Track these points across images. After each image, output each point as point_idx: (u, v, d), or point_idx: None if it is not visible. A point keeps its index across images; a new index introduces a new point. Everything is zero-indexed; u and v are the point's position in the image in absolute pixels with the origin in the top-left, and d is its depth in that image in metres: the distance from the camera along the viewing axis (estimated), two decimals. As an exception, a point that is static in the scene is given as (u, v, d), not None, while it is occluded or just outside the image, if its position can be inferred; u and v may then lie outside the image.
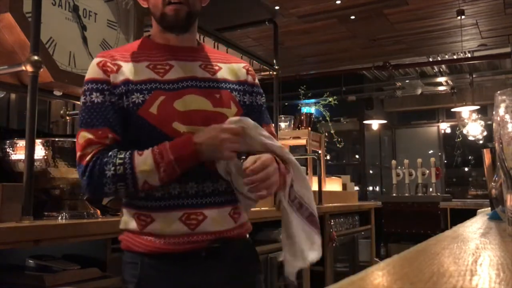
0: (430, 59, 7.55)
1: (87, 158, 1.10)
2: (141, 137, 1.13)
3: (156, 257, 1.14)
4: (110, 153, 1.10)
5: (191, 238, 1.13)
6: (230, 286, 1.18)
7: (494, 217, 1.08)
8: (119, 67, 1.18)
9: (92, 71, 1.18)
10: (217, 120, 1.17)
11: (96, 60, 1.20)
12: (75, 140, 1.48)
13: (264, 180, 1.09)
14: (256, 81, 1.36)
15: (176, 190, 1.14)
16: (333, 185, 4.13)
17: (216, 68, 1.28)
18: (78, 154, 1.13)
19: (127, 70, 1.18)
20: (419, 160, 5.92)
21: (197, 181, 1.16)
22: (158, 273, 1.15)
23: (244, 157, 1.16)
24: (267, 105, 1.41)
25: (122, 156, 1.09)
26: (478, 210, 1.55)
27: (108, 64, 1.18)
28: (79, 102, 1.80)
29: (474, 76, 7.75)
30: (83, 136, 1.12)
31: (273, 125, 1.41)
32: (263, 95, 1.36)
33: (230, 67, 1.32)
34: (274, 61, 2.88)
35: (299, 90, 4.76)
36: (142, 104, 1.14)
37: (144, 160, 1.08)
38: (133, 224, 1.17)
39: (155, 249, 1.13)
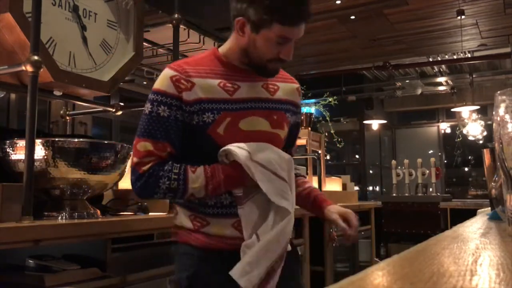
0: (430, 59, 7.55)
1: (144, 168, 1.20)
2: (204, 151, 1.24)
3: (210, 252, 1.25)
4: (165, 166, 1.20)
5: (241, 241, 1.21)
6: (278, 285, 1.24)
7: (494, 217, 1.08)
8: (193, 84, 1.22)
9: (165, 84, 1.23)
10: (274, 141, 1.28)
11: (169, 72, 1.24)
12: (75, 140, 1.48)
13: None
14: (299, 100, 1.43)
15: (227, 200, 1.25)
16: (333, 185, 4.13)
17: (275, 87, 1.35)
18: (135, 160, 1.22)
19: (200, 88, 1.23)
20: (419, 160, 5.91)
21: None
22: (211, 266, 1.24)
23: None
24: None
25: (176, 171, 1.20)
26: (478, 210, 1.55)
27: (182, 81, 1.22)
28: (79, 102, 1.84)
29: (474, 76, 7.75)
30: (144, 145, 1.22)
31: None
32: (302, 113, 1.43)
33: (285, 87, 1.38)
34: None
35: (299, 90, 4.75)
36: (211, 124, 1.22)
37: (196, 178, 1.19)
38: (189, 224, 1.28)
39: (210, 245, 1.24)
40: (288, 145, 1.40)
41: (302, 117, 3.88)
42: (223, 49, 1.33)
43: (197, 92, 1.22)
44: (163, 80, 1.23)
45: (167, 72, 1.24)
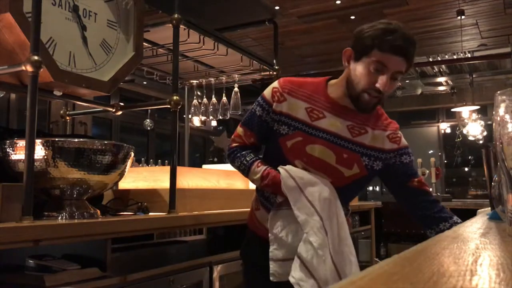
0: (430, 59, 7.55)
1: (232, 145, 1.57)
2: (273, 151, 1.51)
3: (257, 235, 1.60)
4: (244, 152, 1.53)
5: None
6: None
7: (494, 217, 1.08)
8: (284, 99, 1.47)
9: (267, 92, 1.52)
10: (332, 174, 1.45)
11: (275, 84, 1.52)
12: (75, 140, 1.49)
13: None
14: (401, 144, 1.54)
15: (273, 199, 1.51)
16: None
17: (362, 131, 1.47)
18: (232, 137, 1.59)
19: (288, 103, 1.47)
20: (419, 160, 5.91)
21: None
22: (257, 244, 1.57)
23: None
24: None
25: (247, 159, 1.51)
26: (478, 210, 1.55)
27: (278, 94, 1.48)
28: (79, 102, 1.83)
29: (474, 76, 7.75)
30: (240, 130, 1.56)
31: (422, 176, 1.63)
32: (410, 154, 1.55)
33: (375, 133, 1.49)
34: (274, 61, 2.88)
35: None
36: (284, 136, 1.46)
37: (256, 172, 1.48)
38: (253, 203, 1.65)
39: (258, 231, 1.59)
40: (397, 179, 1.55)
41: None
42: (332, 81, 1.51)
43: (283, 107, 1.47)
44: (268, 88, 1.52)
45: (274, 84, 1.53)
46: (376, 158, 1.49)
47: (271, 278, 1.42)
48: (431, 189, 1.60)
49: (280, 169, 1.43)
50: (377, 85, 1.35)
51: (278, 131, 1.47)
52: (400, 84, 8.52)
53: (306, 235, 1.35)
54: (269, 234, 1.45)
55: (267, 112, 1.49)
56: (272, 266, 1.42)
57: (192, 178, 2.20)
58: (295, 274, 1.34)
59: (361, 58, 1.37)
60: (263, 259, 1.45)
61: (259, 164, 1.48)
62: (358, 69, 1.38)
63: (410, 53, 1.35)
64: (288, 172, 1.41)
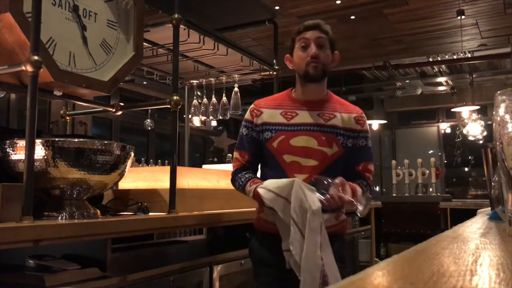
0: (430, 59, 7.55)
1: (233, 169, 1.81)
2: (265, 156, 1.76)
3: (262, 232, 1.79)
4: (240, 174, 1.77)
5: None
6: None
7: (494, 217, 1.08)
8: (261, 113, 1.79)
9: (247, 114, 1.83)
10: (317, 156, 1.69)
11: (251, 107, 1.83)
12: (75, 140, 1.49)
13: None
14: (364, 127, 1.80)
15: None
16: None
17: (331, 116, 1.75)
18: (232, 164, 1.83)
19: (266, 114, 1.77)
20: (419, 160, 5.91)
21: None
22: (261, 240, 1.78)
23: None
24: None
25: (243, 180, 1.74)
26: (478, 210, 1.55)
27: (255, 111, 1.81)
28: (79, 102, 1.84)
29: (474, 76, 7.74)
30: (235, 154, 1.82)
31: (371, 164, 1.81)
32: (367, 138, 1.80)
33: (342, 116, 1.76)
34: (274, 61, 2.88)
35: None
36: (269, 140, 1.73)
37: (249, 192, 1.70)
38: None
39: (263, 228, 1.77)
40: (350, 164, 1.75)
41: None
42: (294, 90, 1.83)
43: (263, 118, 1.77)
44: (247, 112, 1.83)
45: (250, 107, 1.83)
46: (348, 136, 1.75)
47: (286, 266, 1.59)
48: (371, 179, 1.80)
49: (259, 189, 1.63)
50: (311, 54, 1.70)
51: (263, 138, 1.74)
52: (400, 84, 8.54)
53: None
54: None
55: (251, 129, 1.78)
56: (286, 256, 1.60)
57: (192, 178, 2.20)
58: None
59: (293, 52, 1.77)
60: (275, 254, 1.64)
61: (251, 184, 1.70)
62: (295, 58, 1.76)
63: (320, 24, 1.74)
64: (265, 188, 1.61)
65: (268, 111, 1.78)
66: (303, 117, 1.74)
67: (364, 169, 1.78)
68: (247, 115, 1.82)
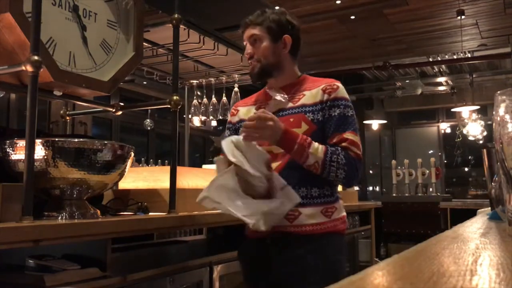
0: (430, 59, 7.55)
1: None
2: None
3: (249, 238, 1.77)
4: None
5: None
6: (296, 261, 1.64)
7: (494, 217, 1.08)
8: (237, 111, 1.84)
9: (229, 115, 1.90)
10: None
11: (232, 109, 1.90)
12: (75, 140, 1.48)
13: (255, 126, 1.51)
14: (333, 95, 1.64)
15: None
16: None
17: (300, 96, 1.69)
18: None
19: (242, 112, 1.81)
20: (419, 160, 5.91)
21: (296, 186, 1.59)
22: (249, 246, 1.77)
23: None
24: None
25: None
26: (478, 210, 1.55)
27: (233, 110, 1.88)
28: (79, 102, 1.84)
29: (474, 76, 7.75)
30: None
31: (349, 132, 1.61)
32: (340, 106, 1.63)
33: (311, 93, 1.67)
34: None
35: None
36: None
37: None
38: None
39: (251, 234, 1.74)
40: (326, 136, 1.62)
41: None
42: None
43: (239, 115, 1.82)
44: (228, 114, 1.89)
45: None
46: (318, 110, 1.64)
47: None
48: (352, 149, 1.59)
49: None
50: (245, 55, 1.74)
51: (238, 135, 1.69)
52: (400, 84, 8.54)
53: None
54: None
55: (231, 129, 1.84)
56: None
57: (192, 178, 2.20)
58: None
59: None
60: (260, 256, 1.67)
61: None
62: None
63: (250, 20, 1.73)
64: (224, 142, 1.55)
65: (244, 108, 1.82)
66: (272, 106, 1.72)
67: (340, 140, 1.59)
68: (229, 116, 1.89)
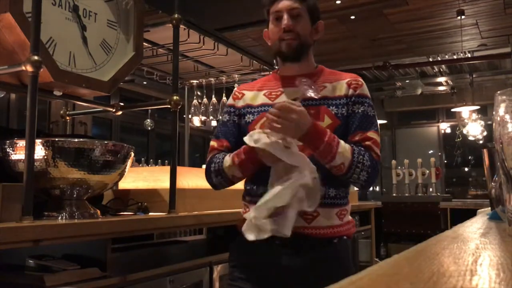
0: (430, 59, 7.55)
1: (208, 159, 1.57)
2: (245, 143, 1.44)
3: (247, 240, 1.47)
4: (217, 154, 1.54)
5: None
6: (309, 266, 1.45)
7: (494, 217, 1.08)
8: (243, 95, 1.61)
9: (229, 99, 1.67)
10: None
11: (233, 91, 1.68)
12: (75, 140, 1.49)
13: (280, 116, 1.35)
14: (358, 91, 1.53)
15: (260, 191, 1.43)
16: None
17: (321, 88, 1.52)
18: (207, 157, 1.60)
19: (249, 97, 1.60)
20: (419, 160, 5.91)
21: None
22: (247, 251, 1.50)
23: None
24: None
25: (221, 157, 1.51)
26: (478, 210, 1.55)
27: (237, 93, 1.64)
28: (79, 102, 1.83)
29: (474, 76, 7.75)
30: (212, 143, 1.60)
31: (373, 132, 1.50)
32: (364, 104, 1.52)
33: (333, 85, 1.54)
34: (274, 61, 2.88)
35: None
36: (251, 122, 1.54)
37: (228, 159, 1.48)
38: (242, 212, 1.59)
39: None
40: (347, 133, 1.49)
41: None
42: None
43: (245, 100, 1.59)
44: (230, 98, 1.67)
45: (233, 92, 1.67)
46: (342, 105, 1.50)
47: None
48: (373, 149, 1.48)
49: (246, 139, 1.40)
50: (283, 26, 1.51)
51: (244, 123, 1.56)
52: (400, 84, 8.54)
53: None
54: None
55: (233, 113, 1.60)
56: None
57: (192, 178, 2.20)
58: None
59: (269, 25, 1.59)
60: (263, 262, 1.48)
61: (230, 154, 1.49)
62: (269, 33, 1.59)
63: None
64: (250, 137, 1.39)
65: (251, 93, 1.59)
66: (289, 94, 1.52)
67: (363, 139, 1.47)
68: (229, 100, 1.66)
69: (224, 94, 2.98)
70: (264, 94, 1.56)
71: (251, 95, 1.59)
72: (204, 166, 3.20)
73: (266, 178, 1.39)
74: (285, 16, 1.51)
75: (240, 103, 1.59)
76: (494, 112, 0.67)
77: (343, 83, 1.53)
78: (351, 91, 1.52)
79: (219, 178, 1.51)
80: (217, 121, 1.61)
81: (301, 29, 1.52)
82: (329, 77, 1.57)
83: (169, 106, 1.88)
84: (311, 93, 1.41)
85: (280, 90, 1.55)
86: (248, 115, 1.56)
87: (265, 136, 1.35)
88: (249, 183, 1.56)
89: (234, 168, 1.46)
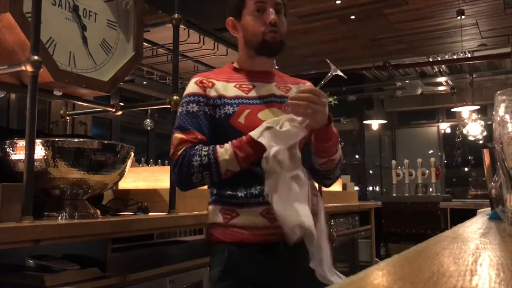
0: (430, 59, 7.55)
1: (179, 153, 1.32)
2: (230, 140, 1.31)
3: (242, 246, 1.33)
4: (196, 147, 1.31)
5: (271, 231, 1.30)
6: (307, 274, 1.30)
7: (494, 217, 1.08)
8: (213, 84, 1.42)
9: (191, 88, 1.43)
10: None
11: (194, 79, 1.45)
12: (75, 140, 1.48)
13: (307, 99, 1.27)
14: None
15: (256, 190, 1.32)
16: (333, 185, 4.13)
17: (288, 88, 1.50)
18: (171, 151, 1.35)
19: (220, 87, 1.42)
20: (419, 160, 5.91)
21: None
22: (244, 260, 1.33)
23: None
24: None
25: (206, 149, 1.30)
26: (478, 210, 1.55)
27: (205, 81, 1.43)
28: (79, 102, 1.83)
29: (474, 76, 7.74)
30: (176, 137, 1.35)
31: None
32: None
33: (298, 87, 1.47)
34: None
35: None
36: (232, 115, 1.37)
37: (225, 150, 1.29)
38: (219, 219, 1.37)
39: (242, 239, 1.33)
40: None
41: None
42: (236, 62, 1.54)
43: (218, 90, 1.41)
44: (189, 86, 1.44)
45: (192, 80, 1.44)
46: None
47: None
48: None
49: (253, 134, 1.29)
50: (269, 21, 1.41)
51: (223, 114, 1.37)
52: (400, 84, 8.55)
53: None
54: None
55: (204, 103, 1.39)
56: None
57: (192, 178, 2.20)
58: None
59: (242, 15, 1.45)
60: (255, 270, 1.33)
61: (221, 146, 1.30)
62: (246, 23, 1.44)
63: None
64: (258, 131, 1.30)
65: (220, 83, 1.43)
66: (262, 89, 1.44)
67: None
68: (194, 88, 1.41)
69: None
70: (235, 86, 1.43)
71: (221, 86, 1.42)
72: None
73: (249, 179, 1.32)
74: (272, 10, 1.42)
75: (212, 93, 1.40)
76: (494, 112, 0.67)
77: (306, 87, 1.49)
78: None
79: (204, 174, 1.29)
80: (178, 111, 1.43)
81: (283, 26, 1.44)
82: (286, 78, 1.55)
83: (169, 106, 1.88)
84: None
85: (252, 84, 1.44)
86: (227, 107, 1.38)
87: (288, 124, 1.28)
88: (229, 187, 1.36)
89: (234, 162, 1.28)
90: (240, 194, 1.34)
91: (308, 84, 1.44)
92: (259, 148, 1.27)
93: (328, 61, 1.45)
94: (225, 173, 1.30)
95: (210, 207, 1.43)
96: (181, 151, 1.31)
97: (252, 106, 1.39)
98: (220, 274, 1.34)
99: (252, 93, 1.42)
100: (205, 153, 1.29)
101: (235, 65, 1.53)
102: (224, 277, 1.34)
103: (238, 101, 1.39)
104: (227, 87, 1.42)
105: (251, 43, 1.45)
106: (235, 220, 1.34)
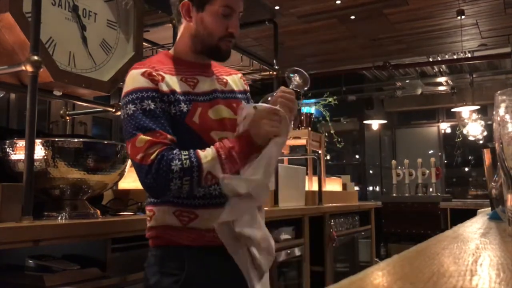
0: (430, 59, 7.55)
1: (151, 157, 1.15)
2: (186, 141, 1.22)
3: (203, 249, 1.25)
4: (174, 150, 1.17)
5: (234, 233, 1.22)
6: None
7: (494, 217, 1.08)
8: (163, 77, 1.26)
9: (138, 81, 1.23)
10: (234, 127, 1.29)
11: (137, 71, 1.25)
12: (75, 140, 1.48)
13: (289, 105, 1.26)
14: (248, 88, 1.50)
15: (216, 191, 1.25)
16: (333, 185, 4.13)
17: (225, 80, 1.41)
18: (139, 156, 1.16)
19: (169, 81, 1.26)
20: (419, 160, 5.92)
21: None
22: (205, 264, 1.25)
23: None
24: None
25: (186, 152, 1.17)
26: (478, 210, 1.55)
27: (154, 73, 1.25)
28: (79, 102, 1.83)
29: (474, 76, 7.74)
30: (142, 139, 1.17)
31: None
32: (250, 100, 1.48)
33: (232, 79, 1.44)
34: (274, 61, 2.88)
35: (299, 90, 4.75)
36: (188, 114, 1.25)
37: (206, 153, 1.18)
38: (174, 222, 1.25)
39: (203, 242, 1.24)
40: None
41: (302, 117, 3.89)
42: (174, 49, 1.39)
43: (169, 84, 1.26)
44: (134, 79, 1.24)
45: (134, 72, 1.26)
46: (245, 99, 1.44)
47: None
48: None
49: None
50: (230, 30, 1.32)
51: (179, 112, 1.24)
52: (400, 84, 8.54)
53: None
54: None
55: (159, 98, 1.23)
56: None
57: (192, 178, 2.20)
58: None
59: (204, 7, 1.30)
60: (216, 273, 1.26)
61: (202, 150, 1.19)
62: (206, 19, 1.30)
63: None
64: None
65: (168, 76, 1.27)
66: (205, 84, 1.34)
67: None
68: (143, 82, 1.23)
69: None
70: (181, 80, 1.29)
71: (169, 79, 1.27)
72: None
73: None
74: (236, 21, 1.34)
75: (164, 87, 1.24)
76: (494, 112, 0.67)
77: (238, 77, 1.48)
78: (246, 87, 1.49)
79: (185, 180, 1.16)
80: (127, 111, 1.22)
81: (237, 36, 1.37)
82: (220, 70, 1.45)
83: (169, 106, 1.88)
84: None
85: (195, 78, 1.32)
86: (181, 104, 1.25)
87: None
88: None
89: (216, 163, 1.18)
90: (198, 195, 1.24)
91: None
92: (253, 140, 1.21)
93: (293, 74, 1.42)
94: (206, 178, 1.18)
95: (156, 208, 1.28)
96: (154, 155, 1.15)
97: (202, 103, 1.29)
98: (178, 284, 1.22)
99: (198, 89, 1.31)
100: (185, 156, 1.16)
101: (173, 53, 1.37)
102: (188, 283, 1.22)
103: (189, 97, 1.27)
104: (174, 81, 1.27)
105: (202, 41, 1.33)
106: (194, 223, 1.24)
